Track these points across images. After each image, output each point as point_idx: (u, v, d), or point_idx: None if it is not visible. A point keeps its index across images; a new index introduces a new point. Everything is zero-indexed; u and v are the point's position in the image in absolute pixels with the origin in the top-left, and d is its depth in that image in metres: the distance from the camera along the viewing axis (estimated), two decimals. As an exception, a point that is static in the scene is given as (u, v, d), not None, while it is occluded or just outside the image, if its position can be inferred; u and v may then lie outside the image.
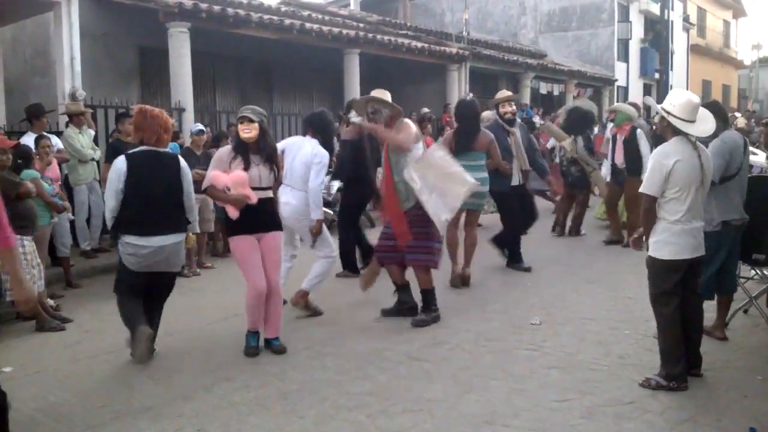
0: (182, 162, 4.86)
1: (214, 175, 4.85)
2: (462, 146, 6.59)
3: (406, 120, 5.70)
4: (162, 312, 5.04)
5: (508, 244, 7.63)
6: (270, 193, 5.02)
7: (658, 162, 4.02)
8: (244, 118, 4.84)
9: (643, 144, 8.30)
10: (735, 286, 5.07)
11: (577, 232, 9.56)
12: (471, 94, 16.18)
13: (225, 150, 5.02)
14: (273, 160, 4.99)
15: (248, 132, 4.80)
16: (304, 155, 5.70)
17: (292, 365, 4.66)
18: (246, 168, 4.81)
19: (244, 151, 4.85)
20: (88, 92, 9.35)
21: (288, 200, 5.68)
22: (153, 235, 4.57)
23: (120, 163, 4.60)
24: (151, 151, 4.67)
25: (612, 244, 8.78)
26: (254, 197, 4.81)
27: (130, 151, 4.68)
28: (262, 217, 4.90)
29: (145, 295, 4.81)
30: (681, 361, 4.11)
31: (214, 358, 4.87)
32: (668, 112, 4.06)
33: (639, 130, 8.44)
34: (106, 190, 4.66)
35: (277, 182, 5.18)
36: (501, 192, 7.21)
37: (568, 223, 9.65)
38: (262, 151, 4.89)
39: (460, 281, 6.78)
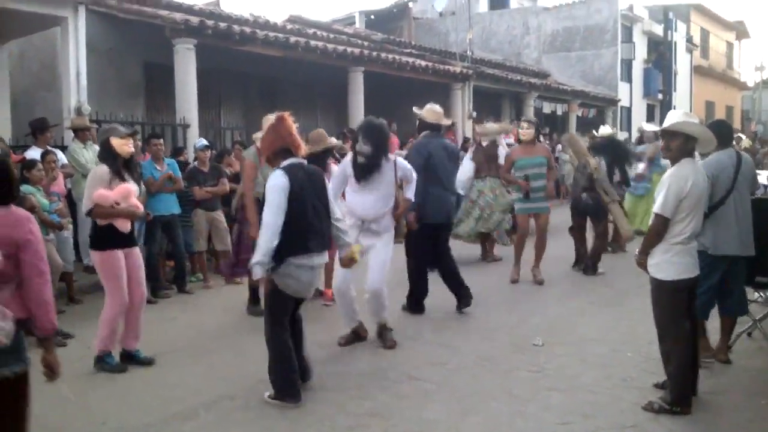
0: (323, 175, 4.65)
1: (100, 193, 4.94)
2: None
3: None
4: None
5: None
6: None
7: (677, 185, 3.98)
8: (129, 135, 5.14)
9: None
10: (740, 308, 5.02)
11: (594, 271, 8.21)
12: (475, 113, 16.31)
13: (103, 169, 5.08)
14: (136, 177, 5.28)
15: (132, 147, 5.12)
16: None
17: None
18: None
19: (119, 168, 5.07)
20: (93, 107, 9.40)
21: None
22: (317, 253, 4.33)
23: (281, 177, 4.19)
24: (301, 162, 4.39)
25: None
26: (141, 207, 5.09)
27: (285, 164, 4.28)
28: (130, 232, 5.13)
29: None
30: (690, 386, 4.09)
31: (216, 375, 4.85)
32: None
33: None
34: (267, 208, 4.17)
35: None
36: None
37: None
38: (129, 169, 5.17)
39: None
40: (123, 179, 5.05)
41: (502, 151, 9.55)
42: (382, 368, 4.94)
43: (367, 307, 5.49)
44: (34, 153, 7.14)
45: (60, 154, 7.64)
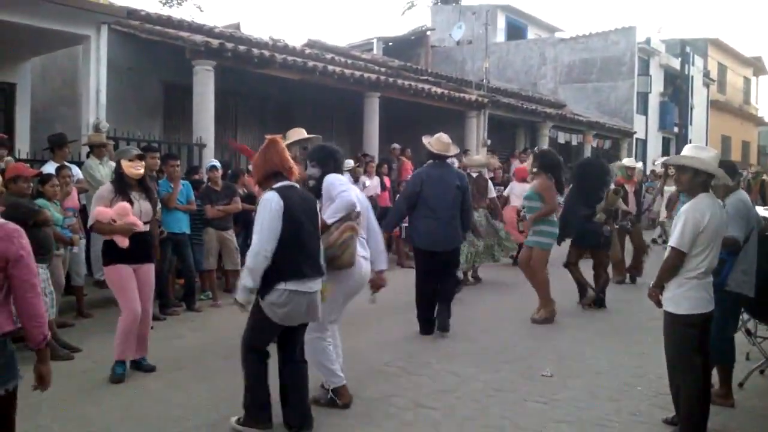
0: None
1: (99, 210, 5.14)
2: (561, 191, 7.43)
3: None
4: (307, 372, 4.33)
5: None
6: (148, 227, 5.46)
7: (693, 218, 3.94)
8: (138, 156, 5.39)
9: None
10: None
11: (602, 304, 8.06)
12: (489, 141, 16.34)
13: (106, 188, 5.38)
14: (152, 196, 5.55)
15: (140, 169, 5.35)
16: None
17: (297, 406, 4.60)
18: (129, 203, 5.23)
19: (125, 187, 5.29)
20: (111, 124, 9.51)
21: (364, 253, 4.78)
22: (311, 279, 4.03)
23: (275, 197, 3.96)
24: (294, 185, 4.18)
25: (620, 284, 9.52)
26: (140, 224, 5.24)
27: (278, 186, 4.07)
28: (139, 249, 5.29)
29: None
30: (700, 422, 4.01)
31: (220, 396, 4.82)
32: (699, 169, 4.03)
33: (646, 183, 10.11)
34: (259, 231, 3.93)
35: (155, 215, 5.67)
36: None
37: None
38: (145, 189, 5.45)
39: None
40: (127, 198, 5.23)
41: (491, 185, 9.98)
42: (388, 395, 4.89)
43: None
44: (50, 167, 7.21)
45: (76, 170, 7.72)
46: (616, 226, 8.43)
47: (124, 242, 5.14)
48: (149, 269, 5.43)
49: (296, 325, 4.18)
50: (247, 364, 4.13)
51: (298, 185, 4.28)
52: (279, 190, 4.03)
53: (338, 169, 4.87)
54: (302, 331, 4.29)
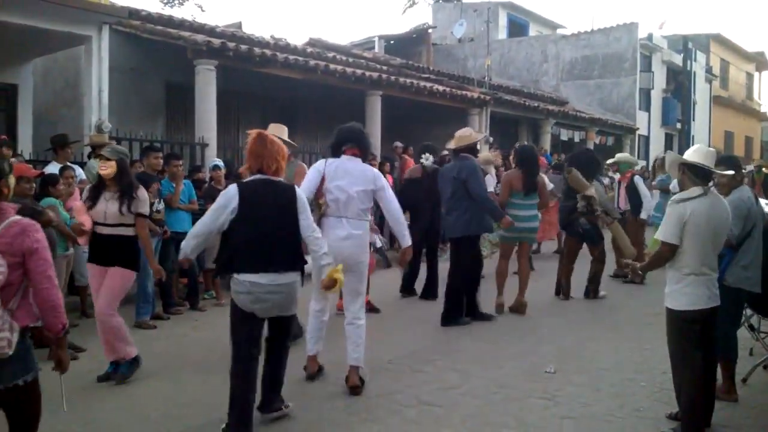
0: (299, 192, 4.30)
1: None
2: (528, 188, 7.38)
3: (300, 162, 6.29)
4: (286, 360, 4.44)
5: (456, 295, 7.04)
6: (121, 231, 5.22)
7: (675, 210, 3.99)
8: (101, 156, 5.29)
9: (642, 187, 9.68)
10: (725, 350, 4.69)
11: (595, 294, 8.27)
12: (491, 139, 16.32)
13: (88, 188, 5.54)
14: (129, 197, 5.24)
15: (105, 169, 5.22)
16: (364, 181, 5.13)
17: (301, 404, 4.60)
18: (92, 204, 5.20)
19: (100, 187, 5.27)
20: (114, 125, 9.52)
21: (349, 233, 4.97)
22: (275, 273, 4.02)
23: (232, 188, 4.07)
24: (268, 179, 4.13)
25: (618, 278, 9.49)
26: (88, 224, 5.15)
27: (245, 180, 4.14)
28: (107, 251, 5.21)
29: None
30: (702, 418, 4.02)
31: (224, 394, 4.82)
32: (686, 161, 4.07)
33: (637, 177, 9.80)
34: (208, 212, 4.15)
35: (140, 217, 5.34)
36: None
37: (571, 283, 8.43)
38: (118, 188, 5.24)
39: (502, 309, 7.44)
40: (95, 198, 5.22)
41: (490, 180, 9.93)
42: (392, 391, 4.90)
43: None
44: (53, 168, 7.22)
45: (79, 170, 7.73)
46: (609, 218, 8.21)
47: (79, 240, 5.37)
48: (114, 273, 5.15)
49: (278, 318, 4.24)
50: (231, 367, 4.15)
51: (280, 179, 4.19)
52: (242, 183, 4.11)
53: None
54: (286, 323, 4.34)
